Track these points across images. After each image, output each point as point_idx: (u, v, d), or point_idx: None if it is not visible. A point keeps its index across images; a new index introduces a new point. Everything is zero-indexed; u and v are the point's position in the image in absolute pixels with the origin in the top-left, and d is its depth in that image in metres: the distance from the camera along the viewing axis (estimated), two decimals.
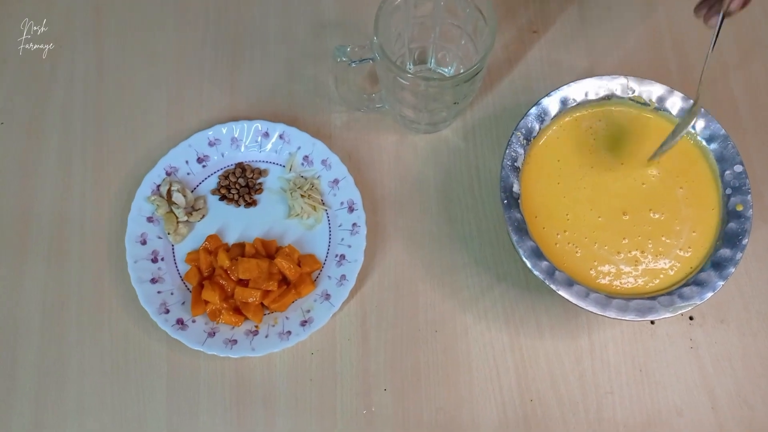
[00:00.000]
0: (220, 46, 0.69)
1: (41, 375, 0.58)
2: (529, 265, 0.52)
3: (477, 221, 0.62)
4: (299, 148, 0.63)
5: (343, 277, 0.59)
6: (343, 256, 0.60)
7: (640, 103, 0.58)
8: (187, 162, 0.63)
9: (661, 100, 0.57)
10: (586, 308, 0.51)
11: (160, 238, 0.61)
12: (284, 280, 0.59)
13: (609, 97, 0.58)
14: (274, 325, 0.58)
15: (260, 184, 0.63)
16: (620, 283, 0.54)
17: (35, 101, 0.67)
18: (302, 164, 0.63)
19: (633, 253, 0.54)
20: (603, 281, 0.54)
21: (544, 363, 0.58)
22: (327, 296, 0.58)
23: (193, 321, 0.57)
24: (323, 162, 0.62)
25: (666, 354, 0.58)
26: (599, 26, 0.69)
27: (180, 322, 0.57)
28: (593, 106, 0.58)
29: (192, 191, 0.63)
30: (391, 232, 0.62)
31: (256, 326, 0.58)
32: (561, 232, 0.55)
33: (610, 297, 0.52)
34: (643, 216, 0.55)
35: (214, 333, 0.57)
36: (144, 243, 0.60)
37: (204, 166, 0.63)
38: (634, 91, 0.58)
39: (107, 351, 0.59)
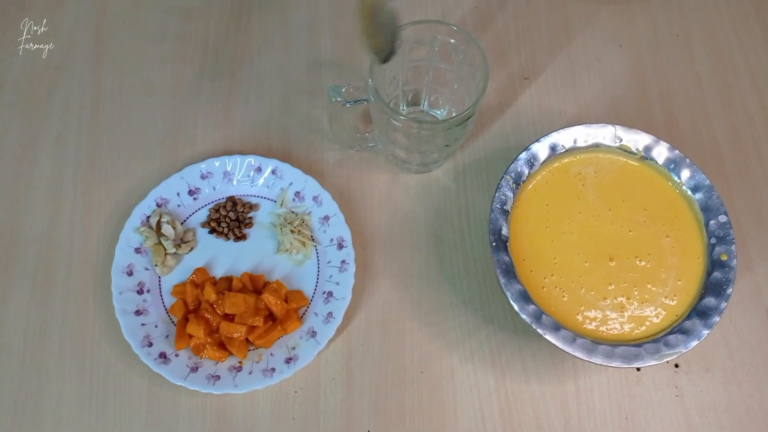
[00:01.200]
0: (217, 80, 0.70)
1: (18, 404, 0.57)
2: (516, 308, 0.52)
3: (465, 262, 0.62)
4: (291, 183, 0.63)
5: (330, 314, 0.58)
6: (330, 294, 0.59)
7: (627, 151, 0.59)
8: (178, 194, 0.63)
9: (648, 149, 0.58)
10: (573, 353, 0.51)
11: (147, 269, 0.60)
12: (270, 316, 0.58)
13: (597, 145, 0.59)
14: (258, 362, 0.57)
15: (251, 218, 0.63)
16: (606, 329, 0.54)
17: (30, 127, 0.67)
18: (293, 200, 0.63)
19: (619, 299, 0.54)
20: (589, 326, 0.54)
21: (529, 407, 0.57)
22: (313, 333, 0.57)
23: (176, 355, 0.56)
24: (314, 198, 0.62)
25: (652, 402, 0.58)
26: (588, 75, 0.71)
27: (162, 355, 0.56)
28: (582, 152, 0.59)
29: (182, 223, 0.63)
30: (380, 271, 0.62)
31: (240, 362, 0.57)
32: (548, 275, 0.55)
33: (596, 343, 0.52)
34: (630, 263, 0.56)
35: (197, 368, 0.56)
36: (130, 274, 0.59)
37: (195, 199, 0.63)
38: (621, 140, 0.58)
39: (87, 382, 0.57)
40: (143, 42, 0.71)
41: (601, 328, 0.54)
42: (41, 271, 0.61)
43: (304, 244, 0.61)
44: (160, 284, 0.60)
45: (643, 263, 0.55)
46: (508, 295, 0.52)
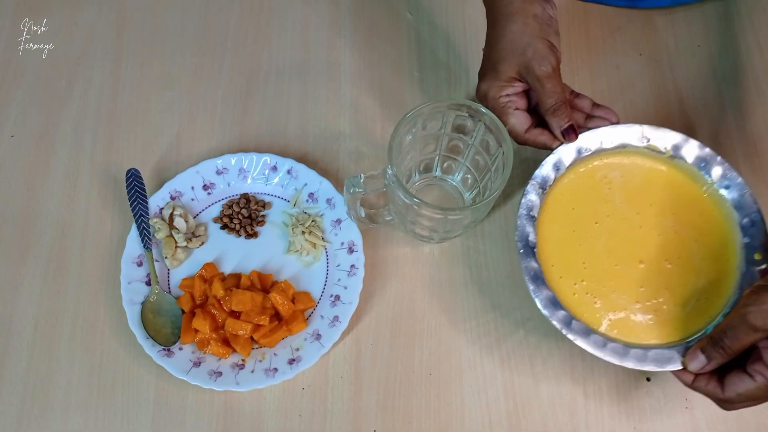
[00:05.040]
0: (236, 76, 0.69)
1: (27, 390, 0.57)
2: (546, 314, 0.50)
3: (478, 266, 0.61)
4: (306, 184, 0.62)
5: (336, 318, 0.57)
6: (338, 297, 0.58)
7: (654, 151, 0.56)
8: (192, 188, 0.62)
9: (677, 148, 0.56)
10: (604, 358, 0.49)
11: (156, 261, 0.59)
12: (276, 316, 0.57)
13: (624, 146, 0.56)
14: (261, 361, 0.56)
15: (263, 216, 0.62)
16: (638, 332, 0.52)
17: (48, 115, 0.67)
18: (307, 201, 0.62)
19: (651, 301, 0.53)
20: (621, 330, 0.52)
21: (537, 413, 0.56)
22: (318, 336, 0.56)
23: (180, 349, 0.56)
24: (328, 201, 0.61)
25: (661, 413, 0.56)
26: (607, 82, 0.69)
27: (167, 348, 0.55)
28: (608, 155, 0.57)
29: (194, 217, 0.62)
30: (392, 271, 0.61)
31: (243, 360, 0.55)
32: (578, 281, 0.53)
33: (628, 347, 0.50)
34: (660, 266, 0.54)
35: (200, 363, 0.55)
36: (140, 264, 0.59)
37: (209, 194, 0.62)
38: (649, 140, 0.56)
39: (96, 372, 0.57)
40: (164, 34, 0.71)
41: (633, 332, 0.52)
42: (54, 258, 0.61)
43: (314, 245, 0.60)
44: (168, 277, 0.60)
45: (672, 266, 0.54)
46: (538, 301, 0.51)
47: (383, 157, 0.66)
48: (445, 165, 0.62)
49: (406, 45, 0.71)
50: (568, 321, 0.51)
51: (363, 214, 0.58)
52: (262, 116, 0.68)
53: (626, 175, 0.57)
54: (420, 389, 0.57)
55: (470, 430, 0.56)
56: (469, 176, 0.61)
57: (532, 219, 0.54)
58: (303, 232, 0.61)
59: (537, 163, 0.56)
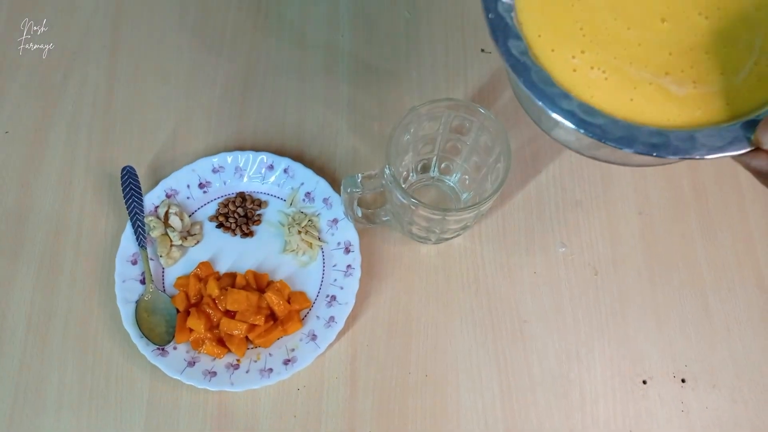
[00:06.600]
0: (233, 72, 0.68)
1: (19, 389, 0.56)
2: (532, 96, 0.37)
3: (474, 267, 0.61)
4: (302, 184, 0.62)
5: (332, 318, 0.56)
6: (333, 297, 0.57)
7: None
8: (188, 186, 0.61)
9: None
10: (633, 150, 0.36)
11: (151, 259, 0.59)
12: (272, 316, 0.57)
13: None
14: (256, 361, 0.55)
15: (259, 215, 0.62)
16: (676, 112, 0.38)
17: (43, 112, 0.66)
18: (303, 200, 0.61)
19: (686, 71, 0.38)
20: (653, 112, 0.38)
21: (533, 417, 0.55)
22: (313, 337, 0.56)
23: (175, 348, 0.55)
24: (325, 200, 0.61)
25: (657, 416, 0.56)
26: None
27: (161, 347, 0.55)
28: None
29: (190, 216, 0.61)
30: (389, 272, 0.60)
31: (238, 360, 0.55)
32: (577, 53, 0.39)
33: (664, 132, 0.36)
34: (691, 21, 0.39)
35: (194, 363, 0.54)
36: (135, 263, 0.58)
37: (205, 192, 0.62)
38: None
39: (89, 371, 0.56)
40: (161, 29, 0.70)
41: (665, 112, 0.38)
42: (48, 255, 0.60)
43: (310, 245, 0.60)
44: (163, 275, 0.59)
45: (709, 20, 0.39)
46: (521, 83, 0.37)
47: (381, 157, 0.66)
48: (443, 165, 0.61)
49: (404, 44, 0.71)
50: (568, 101, 0.37)
51: (360, 214, 0.58)
52: (258, 114, 0.67)
53: None
54: (416, 391, 0.57)
55: None
56: (466, 177, 0.60)
57: None
58: (299, 232, 0.60)
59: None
